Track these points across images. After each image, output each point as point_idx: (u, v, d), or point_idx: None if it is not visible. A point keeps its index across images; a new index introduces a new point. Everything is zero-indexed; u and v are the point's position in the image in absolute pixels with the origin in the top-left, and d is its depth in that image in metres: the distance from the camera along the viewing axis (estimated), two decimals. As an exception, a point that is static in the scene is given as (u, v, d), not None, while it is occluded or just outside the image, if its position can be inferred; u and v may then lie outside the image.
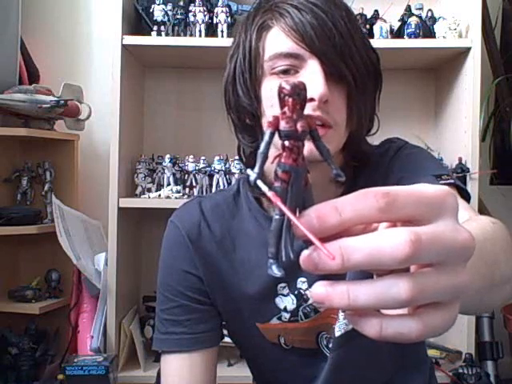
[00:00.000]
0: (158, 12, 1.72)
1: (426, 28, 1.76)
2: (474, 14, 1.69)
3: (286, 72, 0.73)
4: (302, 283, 0.82)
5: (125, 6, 1.67)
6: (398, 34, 1.79)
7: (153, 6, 1.74)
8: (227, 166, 1.75)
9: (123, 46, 1.67)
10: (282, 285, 0.82)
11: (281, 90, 0.34)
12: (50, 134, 1.82)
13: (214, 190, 1.73)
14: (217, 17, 1.74)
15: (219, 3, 1.76)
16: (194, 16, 1.74)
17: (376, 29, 1.73)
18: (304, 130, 0.34)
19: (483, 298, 0.45)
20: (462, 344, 1.68)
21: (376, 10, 1.82)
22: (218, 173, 1.74)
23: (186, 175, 1.77)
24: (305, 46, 0.71)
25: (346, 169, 0.77)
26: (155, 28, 1.72)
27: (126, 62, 1.70)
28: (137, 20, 1.81)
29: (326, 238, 0.32)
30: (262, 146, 0.35)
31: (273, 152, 0.34)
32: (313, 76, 0.70)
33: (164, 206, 1.65)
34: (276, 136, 0.34)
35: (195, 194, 1.74)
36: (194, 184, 1.76)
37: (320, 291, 0.32)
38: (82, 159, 1.97)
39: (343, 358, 0.82)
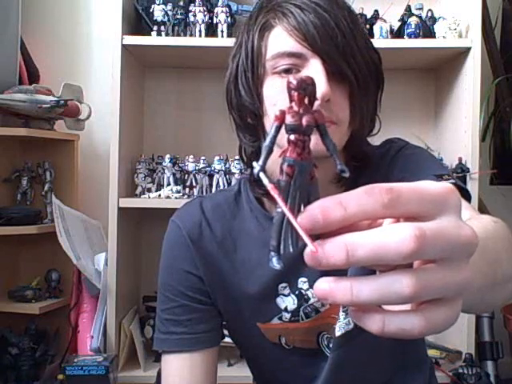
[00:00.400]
0: (158, 12, 1.73)
1: (426, 28, 1.76)
2: (474, 13, 1.69)
3: (288, 71, 0.73)
4: (303, 283, 0.82)
5: (125, 6, 1.68)
6: (398, 33, 1.79)
7: (153, 6, 1.74)
8: (227, 166, 1.75)
9: (123, 45, 1.67)
10: (283, 285, 0.82)
11: (288, 84, 0.35)
12: (50, 133, 1.82)
13: (214, 190, 1.73)
14: (217, 17, 1.74)
15: (219, 3, 1.76)
16: (194, 16, 1.74)
17: (376, 29, 1.73)
18: (309, 124, 0.34)
19: (485, 297, 0.45)
20: (462, 344, 1.68)
21: (376, 10, 1.82)
22: (218, 173, 1.74)
23: (186, 175, 1.77)
24: (307, 46, 0.71)
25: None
26: (155, 28, 1.72)
27: (126, 62, 1.70)
28: (137, 20, 1.81)
29: (330, 233, 0.32)
30: (268, 139, 0.35)
31: (276, 150, 0.34)
32: (315, 75, 0.70)
33: (164, 205, 1.66)
34: (280, 134, 0.35)
35: (195, 194, 1.74)
36: (194, 184, 1.76)
37: (323, 287, 0.33)
38: (82, 159, 1.97)
39: (343, 358, 0.83)
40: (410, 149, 0.86)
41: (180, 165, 1.78)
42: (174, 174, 1.76)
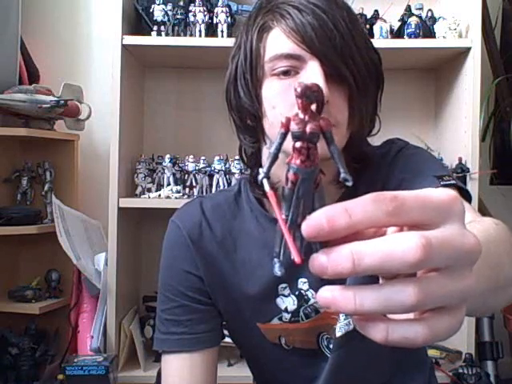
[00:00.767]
0: (158, 12, 1.73)
1: (426, 28, 1.76)
2: (473, 13, 1.69)
3: (286, 73, 0.72)
4: (302, 284, 0.82)
5: (125, 6, 1.67)
6: (398, 34, 1.79)
7: (153, 6, 1.74)
8: (227, 166, 1.75)
9: (123, 45, 1.67)
10: (283, 285, 0.82)
11: (294, 91, 0.35)
12: (50, 133, 1.82)
13: (214, 190, 1.73)
14: (217, 17, 1.74)
15: (219, 3, 1.76)
16: (194, 16, 1.74)
17: (376, 29, 1.73)
18: (313, 131, 0.34)
19: (487, 301, 0.45)
20: (462, 344, 1.68)
21: (376, 10, 1.82)
22: (218, 173, 1.74)
23: (186, 175, 1.77)
24: (305, 47, 0.70)
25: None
26: (155, 28, 1.71)
27: (126, 62, 1.70)
28: (137, 20, 1.80)
29: (335, 241, 0.32)
30: (273, 146, 0.35)
31: (282, 157, 0.34)
32: (313, 77, 0.69)
33: (164, 206, 1.66)
34: (288, 140, 0.35)
35: (195, 194, 1.74)
36: (194, 184, 1.76)
37: (326, 295, 0.32)
38: (82, 159, 1.97)
39: (344, 359, 0.83)
40: (411, 149, 0.86)
41: (180, 165, 1.78)
42: (174, 174, 1.76)
